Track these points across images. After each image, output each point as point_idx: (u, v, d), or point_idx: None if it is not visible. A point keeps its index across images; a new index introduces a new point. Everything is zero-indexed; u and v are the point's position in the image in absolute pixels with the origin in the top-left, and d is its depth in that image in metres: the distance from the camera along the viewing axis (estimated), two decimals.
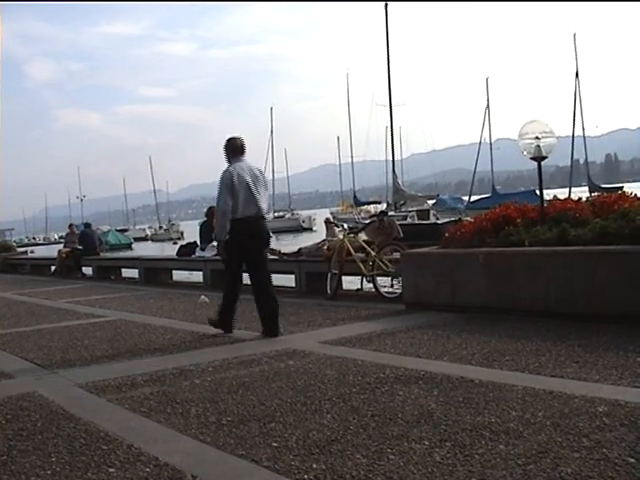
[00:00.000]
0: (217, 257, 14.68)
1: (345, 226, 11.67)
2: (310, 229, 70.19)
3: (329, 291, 10.72)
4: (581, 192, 42.91)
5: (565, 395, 4.41)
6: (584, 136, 63.03)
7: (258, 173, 7.72)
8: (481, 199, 54.51)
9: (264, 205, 7.67)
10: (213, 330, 7.96)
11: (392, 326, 7.53)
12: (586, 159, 67.71)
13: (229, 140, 7.87)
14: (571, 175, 58.83)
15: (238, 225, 7.51)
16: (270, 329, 7.64)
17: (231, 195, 7.45)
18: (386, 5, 49.98)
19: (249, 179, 7.54)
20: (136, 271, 17.77)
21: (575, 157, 62.64)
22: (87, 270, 20.48)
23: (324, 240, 12.69)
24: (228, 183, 7.48)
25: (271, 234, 8.26)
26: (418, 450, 3.59)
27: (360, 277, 10.83)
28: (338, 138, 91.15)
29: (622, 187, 45.62)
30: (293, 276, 12.50)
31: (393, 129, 50.18)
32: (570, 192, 42.67)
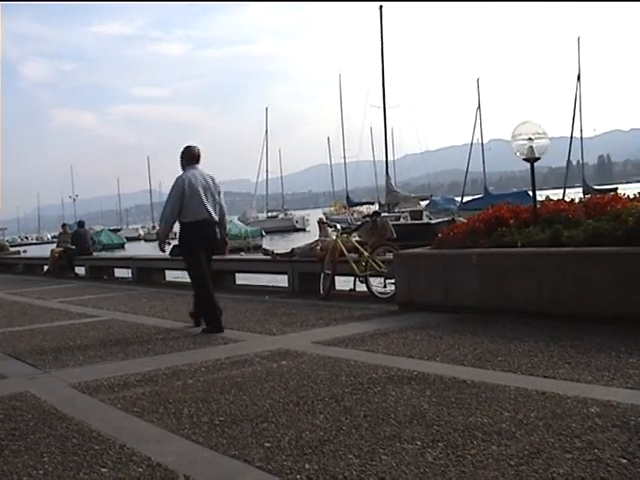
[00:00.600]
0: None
1: (338, 226, 11.67)
2: (303, 229, 70.25)
3: (322, 291, 10.72)
4: (575, 193, 42.94)
5: (557, 396, 4.42)
6: (582, 137, 63.12)
7: (210, 180, 8.20)
8: (473, 200, 54.60)
9: (213, 211, 8.14)
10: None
11: (385, 326, 7.53)
12: (582, 160, 67.85)
13: (187, 148, 8.38)
14: (566, 176, 58.87)
15: (191, 228, 8.07)
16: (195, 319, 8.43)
17: (180, 200, 7.97)
18: (381, 7, 50.11)
19: (200, 187, 8.03)
20: (129, 271, 17.76)
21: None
22: (80, 270, 20.45)
23: (317, 240, 12.70)
24: (180, 189, 7.99)
25: (226, 239, 8.81)
26: (410, 450, 3.59)
27: (353, 277, 10.84)
28: (328, 139, 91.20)
29: (616, 188, 45.67)
30: (286, 276, 12.49)
31: (386, 130, 50.28)
32: (564, 193, 42.70)
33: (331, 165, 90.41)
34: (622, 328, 6.28)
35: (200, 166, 8.32)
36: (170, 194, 8.12)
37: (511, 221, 8.20)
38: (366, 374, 5.36)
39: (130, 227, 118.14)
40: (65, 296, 13.73)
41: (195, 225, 8.01)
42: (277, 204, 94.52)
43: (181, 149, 8.41)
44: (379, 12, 50.22)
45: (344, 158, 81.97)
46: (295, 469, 3.43)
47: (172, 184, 8.15)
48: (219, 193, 8.29)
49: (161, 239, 8.60)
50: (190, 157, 8.30)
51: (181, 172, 8.23)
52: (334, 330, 7.62)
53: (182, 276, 16.85)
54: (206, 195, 8.06)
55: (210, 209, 8.08)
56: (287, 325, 8.14)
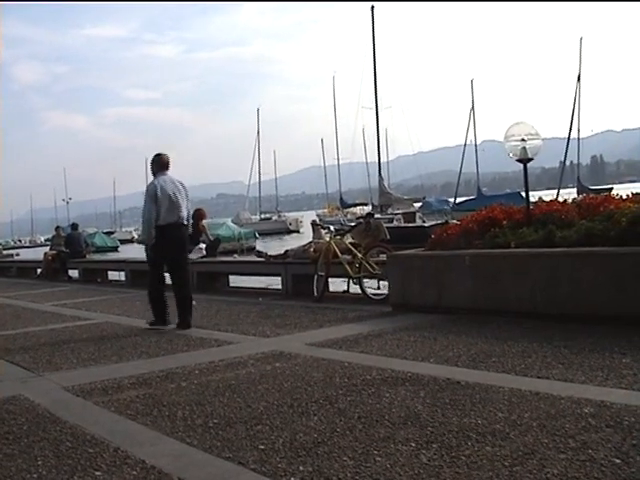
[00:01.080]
0: (203, 259, 14.69)
1: (332, 228, 11.66)
2: (297, 231, 70.12)
3: (316, 293, 10.71)
4: (568, 194, 42.97)
5: (551, 396, 4.42)
6: (579, 138, 63.10)
7: (180, 185, 8.77)
8: (467, 201, 54.60)
9: (184, 213, 8.72)
10: (202, 332, 8.09)
11: (379, 328, 7.53)
12: (578, 161, 67.93)
13: (157, 156, 8.90)
14: (561, 177, 58.88)
15: (162, 231, 8.53)
16: (182, 322, 8.54)
17: (155, 205, 8.48)
18: (372, 7, 50.11)
19: (171, 191, 8.58)
20: (122, 274, 17.72)
21: (561, 159, 62.83)
22: (73, 273, 20.39)
23: (311, 242, 12.69)
24: (152, 194, 8.51)
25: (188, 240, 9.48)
26: (405, 452, 3.59)
27: (347, 279, 10.83)
28: (322, 140, 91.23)
29: (612, 189, 45.68)
30: (280, 278, 12.49)
31: (379, 131, 50.27)
32: (558, 193, 42.71)
33: (325, 167, 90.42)
34: (615, 328, 6.30)
35: (170, 172, 8.81)
36: (145, 200, 8.59)
37: (504, 222, 8.21)
38: (360, 376, 5.36)
39: (124, 230, 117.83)
40: (58, 299, 13.69)
41: (167, 227, 8.51)
42: (271, 206, 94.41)
43: (152, 157, 8.90)
44: (371, 12, 50.25)
45: (337, 160, 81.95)
46: (289, 471, 3.43)
47: (145, 190, 8.67)
48: (187, 198, 8.84)
49: (147, 245, 8.92)
50: (161, 164, 8.81)
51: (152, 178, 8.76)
52: (328, 332, 7.62)
53: None
54: (177, 199, 8.59)
55: (181, 212, 8.63)
56: (281, 327, 8.13)
